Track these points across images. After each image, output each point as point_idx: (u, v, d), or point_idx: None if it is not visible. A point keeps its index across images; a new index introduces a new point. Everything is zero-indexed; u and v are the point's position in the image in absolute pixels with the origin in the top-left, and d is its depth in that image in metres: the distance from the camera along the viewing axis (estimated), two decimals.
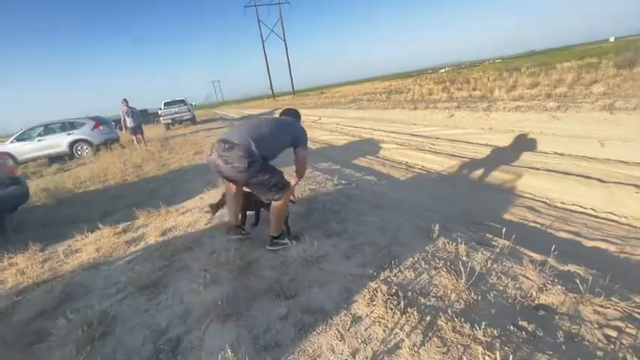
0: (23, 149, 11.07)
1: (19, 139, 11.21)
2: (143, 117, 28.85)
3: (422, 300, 1.61)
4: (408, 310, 1.52)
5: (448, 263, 1.90)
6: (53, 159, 11.21)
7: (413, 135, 7.20)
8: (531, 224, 2.85)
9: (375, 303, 1.61)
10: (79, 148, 11.24)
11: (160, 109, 18.30)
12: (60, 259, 2.94)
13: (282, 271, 2.06)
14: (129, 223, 3.57)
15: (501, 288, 1.69)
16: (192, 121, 18.66)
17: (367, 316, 1.55)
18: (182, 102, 18.73)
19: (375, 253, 2.09)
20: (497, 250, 2.04)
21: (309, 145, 3.06)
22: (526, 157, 4.47)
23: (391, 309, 1.54)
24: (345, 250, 2.19)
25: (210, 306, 1.75)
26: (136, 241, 3.05)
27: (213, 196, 3.93)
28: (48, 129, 11.40)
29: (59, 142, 11.17)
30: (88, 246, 3.08)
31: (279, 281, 1.94)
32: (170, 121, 17.82)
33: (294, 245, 2.31)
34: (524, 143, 4.96)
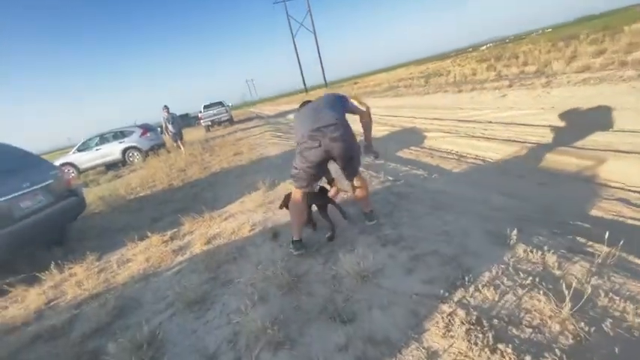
0: (83, 159, 12.06)
1: (80, 149, 12.22)
2: (185, 121, 30.49)
3: (513, 331, 1.30)
4: (499, 346, 1.22)
5: (538, 279, 1.56)
6: (109, 166, 12.09)
7: (460, 121, 6.60)
8: (630, 222, 2.35)
9: (452, 334, 1.34)
10: (130, 155, 11.99)
11: (200, 112, 19.02)
12: (113, 269, 3.00)
13: (334, 287, 1.85)
14: (175, 230, 3.59)
15: (617, 314, 1.33)
16: (230, 121, 19.17)
17: (445, 351, 1.28)
18: (220, 104, 19.29)
19: (441, 266, 1.79)
20: (599, 260, 1.65)
21: None
22: (605, 138, 3.81)
23: (476, 343, 1.25)
24: (405, 261, 1.92)
25: (260, 330, 1.59)
26: (182, 249, 3.03)
27: (254, 199, 3.84)
28: (103, 138, 12.29)
29: (113, 151, 12.00)
30: (139, 255, 3.11)
31: (333, 300, 1.72)
32: (210, 123, 18.45)
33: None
34: (599, 122, 4.25)
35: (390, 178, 3.59)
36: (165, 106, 10.18)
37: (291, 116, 16.92)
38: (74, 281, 2.89)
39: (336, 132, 2.08)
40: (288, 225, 2.88)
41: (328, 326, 1.56)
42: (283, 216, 3.12)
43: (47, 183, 3.73)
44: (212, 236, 3.10)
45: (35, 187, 3.57)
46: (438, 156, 4.89)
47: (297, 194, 2.33)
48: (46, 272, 3.09)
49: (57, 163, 11.97)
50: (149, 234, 3.48)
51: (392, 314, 1.53)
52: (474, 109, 7.25)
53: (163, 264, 2.83)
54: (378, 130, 7.80)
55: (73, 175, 11.85)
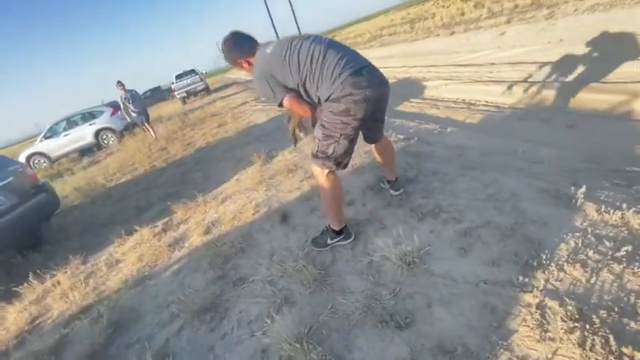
0: (53, 146, 11.11)
1: (47, 136, 11.21)
2: (158, 94, 28.52)
3: (632, 325, 1.00)
4: (625, 351, 0.93)
5: (631, 248, 1.25)
6: (83, 152, 11.22)
7: (459, 65, 6.09)
8: None
9: (552, 335, 1.04)
10: (104, 137, 11.09)
11: (172, 83, 17.65)
12: (102, 273, 2.62)
13: (375, 279, 1.52)
14: (167, 219, 3.18)
15: None
16: (207, 90, 17.91)
17: None
18: (193, 72, 17.87)
19: (503, 241, 1.47)
20: None
21: None
22: (633, 68, 3.44)
23: (592, 349, 0.95)
24: (454, 238, 1.59)
25: (294, 345, 1.27)
26: (179, 242, 2.65)
27: (251, 175, 3.41)
28: (71, 122, 11.26)
29: (84, 134, 11.05)
30: (129, 254, 2.72)
31: (379, 298, 1.40)
32: (185, 94, 17.20)
33: None
34: (622, 50, 3.85)
35: (401, 136, 3.19)
36: (119, 82, 7.77)
37: None
38: (59, 292, 2.51)
39: (378, 74, 1.56)
40: (297, 202, 2.51)
41: (380, 334, 1.25)
42: (289, 192, 2.73)
43: (6, 181, 3.19)
44: (210, 223, 2.71)
45: None
46: (444, 106, 4.47)
47: (331, 177, 1.65)
48: (25, 285, 2.69)
49: (25, 154, 11.04)
50: (137, 227, 3.06)
51: (460, 312, 1.22)
52: (472, 51, 6.70)
53: (160, 262, 2.46)
54: None
55: (45, 165, 10.99)
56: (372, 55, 10.91)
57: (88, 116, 11.06)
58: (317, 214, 2.26)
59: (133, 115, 7.98)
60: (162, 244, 2.66)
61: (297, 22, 41.66)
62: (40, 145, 11.13)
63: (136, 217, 3.55)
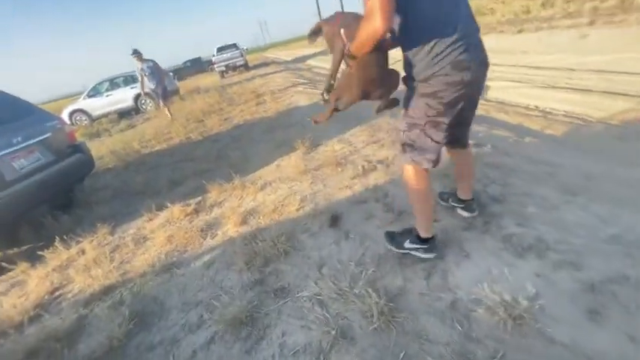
0: (95, 105, 11.38)
1: (90, 95, 11.49)
2: (198, 66, 28.74)
3: None
4: None
5: None
6: (122, 114, 11.42)
7: (530, 67, 5.42)
8: None
9: None
10: (143, 102, 11.20)
11: (213, 55, 17.60)
12: (129, 249, 2.43)
13: (464, 329, 1.17)
14: (199, 198, 2.96)
15: None
16: (246, 66, 17.75)
17: None
18: (234, 46, 17.74)
19: None
20: None
21: None
22: None
23: None
24: (577, 293, 1.20)
25: None
26: (211, 228, 2.40)
27: (293, 162, 3.11)
28: (113, 83, 11.45)
29: (125, 97, 11.22)
30: (158, 232, 2.52)
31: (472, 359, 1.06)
32: (224, 68, 17.12)
33: None
34: None
35: (471, 141, 2.75)
36: (136, 50, 6.51)
37: (310, 61, 15.45)
38: (82, 263, 2.35)
39: (483, 49, 1.26)
40: (349, 203, 2.17)
41: None
42: (338, 189, 2.40)
43: (45, 137, 3.07)
44: (247, 212, 2.44)
45: (30, 143, 2.92)
46: (514, 112, 3.92)
47: (421, 175, 1.37)
48: (50, 249, 2.56)
49: (68, 110, 11.38)
50: (169, 204, 2.86)
51: None
52: (545, 53, 5.96)
53: (189, 248, 2.23)
54: None
55: (85, 122, 11.30)
56: None
57: (130, 79, 11.18)
58: (375, 222, 1.91)
59: (149, 90, 6.88)
60: (193, 228, 2.43)
61: (342, 3, 40.49)
62: (83, 103, 11.44)
63: (168, 191, 3.37)
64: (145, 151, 5.38)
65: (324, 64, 12.81)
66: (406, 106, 1.34)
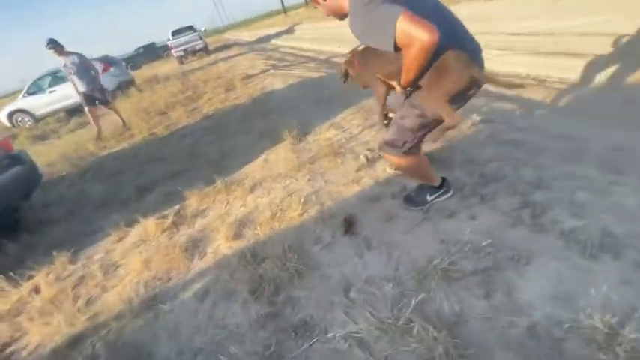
0: (37, 103, 10.08)
1: (30, 92, 10.15)
2: (152, 52, 26.54)
3: None
4: None
5: None
6: (71, 112, 10.22)
7: (510, 34, 5.24)
8: None
9: None
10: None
11: (169, 39, 16.20)
12: (97, 280, 1.99)
13: None
14: (177, 207, 2.52)
15: None
16: (206, 50, 16.53)
17: None
18: (191, 29, 16.45)
19: None
20: None
21: None
22: None
23: None
24: None
25: None
26: (198, 245, 2.01)
27: (282, 155, 2.73)
28: (56, 78, 10.13)
29: (71, 92, 9.96)
30: (132, 255, 2.09)
31: None
32: (182, 53, 15.85)
33: None
34: None
35: (477, 118, 2.52)
36: (52, 41, 4.75)
37: (275, 41, 14.60)
38: (38, 306, 1.89)
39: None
40: (360, 202, 1.86)
41: None
42: (343, 185, 2.07)
43: None
44: (239, 222, 2.07)
45: None
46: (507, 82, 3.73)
47: (411, 157, 1.46)
48: None
49: (6, 111, 10.04)
50: (140, 218, 2.40)
51: None
52: (521, 18, 5.81)
53: (174, 274, 1.84)
54: None
55: (29, 124, 10.02)
56: None
57: None
58: (399, 225, 1.62)
59: (81, 94, 5.17)
60: (175, 247, 2.02)
61: None
62: (23, 102, 10.11)
63: (136, 200, 2.88)
64: (102, 153, 4.73)
65: (291, 42, 12.11)
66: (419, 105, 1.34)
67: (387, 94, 1.51)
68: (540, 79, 3.60)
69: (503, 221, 1.44)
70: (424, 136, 1.42)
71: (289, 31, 17.42)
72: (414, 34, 1.00)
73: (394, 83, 1.37)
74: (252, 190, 2.39)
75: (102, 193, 3.19)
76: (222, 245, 1.91)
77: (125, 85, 9.88)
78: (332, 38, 9.95)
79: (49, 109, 10.08)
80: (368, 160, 2.25)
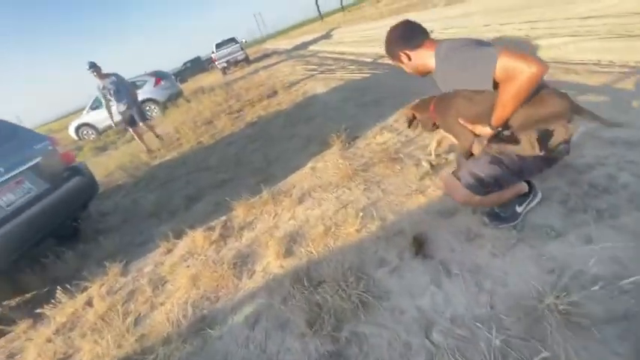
0: (100, 117, 10.97)
1: (93, 107, 11.09)
2: (198, 65, 28.08)
3: None
4: None
5: None
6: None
7: (583, 18, 4.60)
8: None
9: None
10: (147, 108, 10.75)
11: (213, 52, 16.97)
12: (146, 296, 1.92)
13: None
14: (224, 219, 2.42)
15: None
16: (247, 60, 17.07)
17: None
18: (233, 40, 17.09)
19: None
20: None
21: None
22: None
23: None
24: None
25: None
26: (246, 262, 1.86)
27: (331, 162, 2.53)
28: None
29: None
30: (180, 270, 2.00)
31: None
32: (225, 65, 16.48)
33: None
34: None
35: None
36: (93, 64, 4.81)
37: (312, 47, 14.62)
38: (91, 321, 1.86)
39: None
40: (429, 215, 1.59)
41: None
42: (406, 196, 1.81)
43: (34, 162, 2.58)
44: (289, 237, 1.89)
45: (16, 172, 2.43)
46: (587, 70, 3.19)
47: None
48: (52, 302, 2.08)
49: (73, 125, 11.06)
50: (188, 229, 2.33)
51: None
52: (573, 2, 5.12)
53: (222, 293, 1.70)
54: None
55: (93, 137, 10.95)
56: (443, 14, 9.31)
57: (133, 86, 10.71)
58: (486, 246, 1.32)
59: (121, 115, 5.17)
60: (223, 262, 1.89)
61: None
62: (87, 117, 11.08)
63: (185, 210, 2.85)
64: (154, 162, 4.89)
65: (329, 47, 12.02)
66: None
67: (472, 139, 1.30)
68: (630, 66, 3.05)
69: (636, 247, 1.09)
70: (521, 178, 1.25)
71: (327, 36, 17.40)
72: (522, 67, 0.97)
73: (477, 128, 1.22)
74: (300, 200, 2.21)
75: (153, 202, 3.22)
76: (272, 263, 1.74)
77: (175, 97, 10.42)
78: (369, 39, 9.68)
79: (110, 122, 10.93)
80: (432, 166, 1.96)
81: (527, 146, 1.11)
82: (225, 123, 5.38)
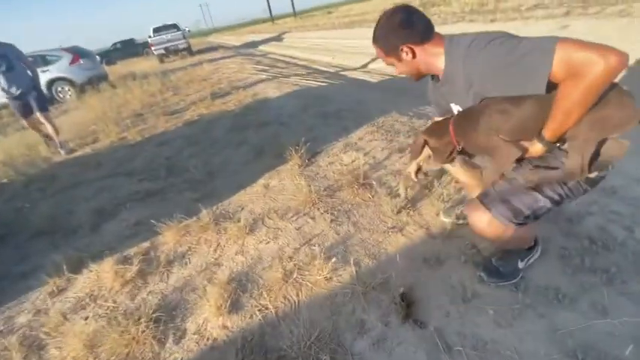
0: None
1: None
2: (130, 48, 25.14)
3: None
4: None
5: None
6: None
7: None
8: None
9: None
10: (59, 89, 9.02)
11: (149, 36, 15.25)
12: None
13: None
14: (146, 246, 1.87)
15: None
16: (189, 50, 15.71)
17: None
18: (174, 27, 15.59)
19: None
20: None
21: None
22: None
23: None
24: None
25: None
26: (174, 318, 1.37)
27: (290, 182, 2.15)
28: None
29: None
30: (72, 325, 1.42)
31: None
32: (163, 52, 14.93)
33: None
34: None
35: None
36: None
37: (263, 47, 14.10)
38: None
39: None
40: (413, 263, 1.33)
41: None
42: (383, 234, 1.53)
43: None
44: (234, 281, 1.46)
45: None
46: None
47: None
48: None
49: None
50: (91, 261, 1.73)
51: None
52: None
53: None
54: None
55: None
56: None
57: (40, 61, 8.88)
58: (484, 309, 1.09)
59: (6, 97, 3.89)
60: (139, 315, 1.37)
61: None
62: None
63: (91, 229, 2.19)
64: (57, 158, 3.93)
65: (280, 50, 11.65)
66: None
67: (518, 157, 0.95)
68: None
69: None
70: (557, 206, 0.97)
71: (278, 38, 16.98)
72: (593, 58, 0.70)
73: (525, 144, 0.91)
74: (251, 229, 1.79)
75: (46, 214, 2.45)
76: (211, 321, 1.29)
77: (97, 81, 8.92)
78: (323, 48, 9.58)
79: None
80: (407, 197, 1.73)
81: (576, 166, 0.84)
82: (158, 118, 4.61)
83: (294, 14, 41.53)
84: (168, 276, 1.62)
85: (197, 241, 1.81)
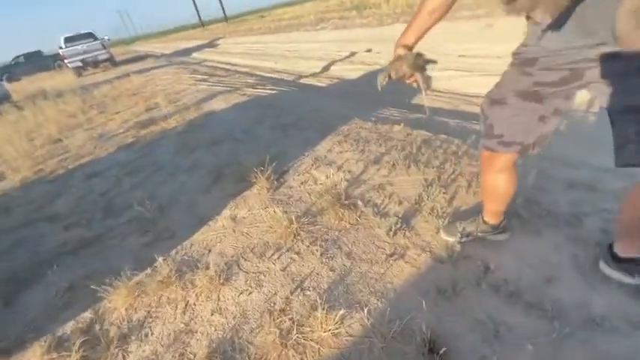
0: None
1: None
2: (37, 61, 22.10)
3: None
4: None
5: None
6: None
7: (460, 56, 5.31)
8: None
9: None
10: None
11: (60, 47, 13.44)
12: None
13: None
14: (89, 317, 1.46)
15: None
16: (112, 61, 14.21)
17: None
18: (90, 36, 14.01)
19: None
20: None
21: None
22: None
23: None
24: None
25: None
26: None
27: (259, 210, 1.88)
28: None
29: None
30: None
31: None
32: (80, 64, 13.27)
33: None
34: None
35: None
36: None
37: (197, 54, 13.30)
38: None
39: None
40: (423, 296, 1.17)
41: None
42: (383, 265, 1.35)
43: None
44: (217, 351, 1.16)
45: None
46: (477, 102, 3.53)
47: (494, 164, 1.09)
48: None
49: None
50: (12, 345, 1.28)
51: None
52: (462, 41, 6.02)
53: None
54: (349, 70, 5.95)
55: None
56: (330, 37, 9.67)
57: None
58: (522, 343, 0.96)
59: None
60: None
61: (221, 2, 37.56)
62: None
63: (4, 305, 1.67)
64: None
65: (217, 56, 11.08)
66: None
67: None
68: None
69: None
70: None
71: (211, 45, 16.17)
72: None
73: None
74: (226, 277, 1.48)
75: None
76: None
77: (4, 98, 7.53)
78: (262, 54, 9.30)
79: None
80: (399, 216, 1.58)
81: None
82: (83, 143, 3.94)
83: (226, 19, 40.20)
84: (125, 358, 1.25)
85: (157, 302, 1.45)
